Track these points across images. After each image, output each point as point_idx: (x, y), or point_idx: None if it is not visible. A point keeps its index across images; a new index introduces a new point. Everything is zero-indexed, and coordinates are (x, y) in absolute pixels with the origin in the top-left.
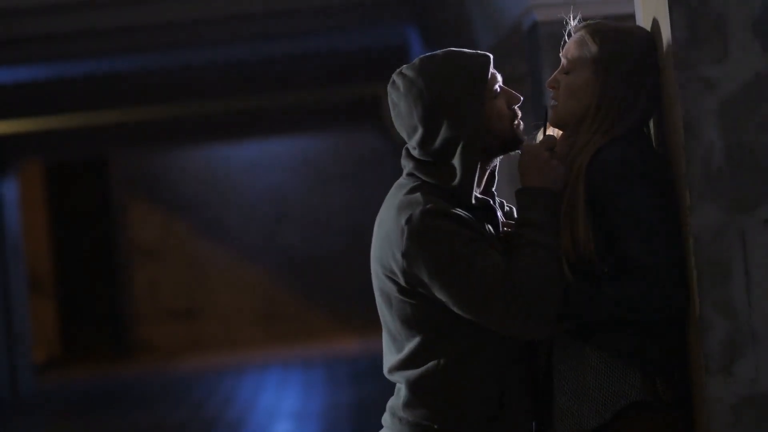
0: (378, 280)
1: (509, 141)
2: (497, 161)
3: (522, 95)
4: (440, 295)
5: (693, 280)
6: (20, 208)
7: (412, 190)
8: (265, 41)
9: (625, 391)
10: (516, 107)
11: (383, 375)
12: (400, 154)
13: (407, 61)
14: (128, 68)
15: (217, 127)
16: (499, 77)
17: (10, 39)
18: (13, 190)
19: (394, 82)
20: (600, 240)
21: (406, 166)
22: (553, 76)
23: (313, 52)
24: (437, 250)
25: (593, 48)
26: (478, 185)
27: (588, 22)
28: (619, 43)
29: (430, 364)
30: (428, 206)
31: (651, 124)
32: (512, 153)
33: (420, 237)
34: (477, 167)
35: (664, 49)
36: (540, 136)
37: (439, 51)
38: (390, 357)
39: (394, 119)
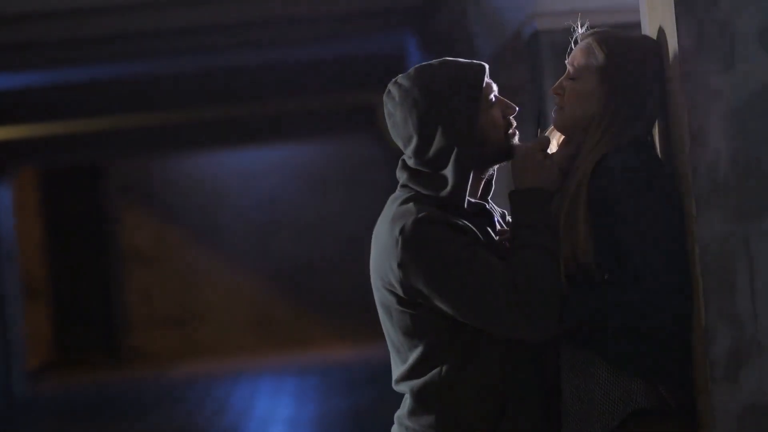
0: (378, 293)
1: (504, 151)
2: (493, 170)
3: (521, 104)
4: (439, 302)
5: (698, 288)
6: (15, 214)
7: (405, 201)
8: (260, 49)
9: (630, 398)
10: (511, 117)
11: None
12: (395, 162)
13: (404, 69)
14: (123, 75)
15: (212, 135)
16: (495, 87)
17: (6, 45)
18: (8, 196)
19: (389, 91)
20: (601, 247)
21: (401, 177)
22: (558, 82)
23: (310, 60)
24: (432, 257)
25: (600, 56)
26: (474, 194)
27: (595, 30)
28: (626, 52)
29: (433, 372)
30: (421, 215)
31: (656, 132)
32: (507, 163)
33: (414, 246)
34: (470, 176)
35: (671, 58)
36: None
37: (434, 60)
38: (396, 369)
39: (390, 129)
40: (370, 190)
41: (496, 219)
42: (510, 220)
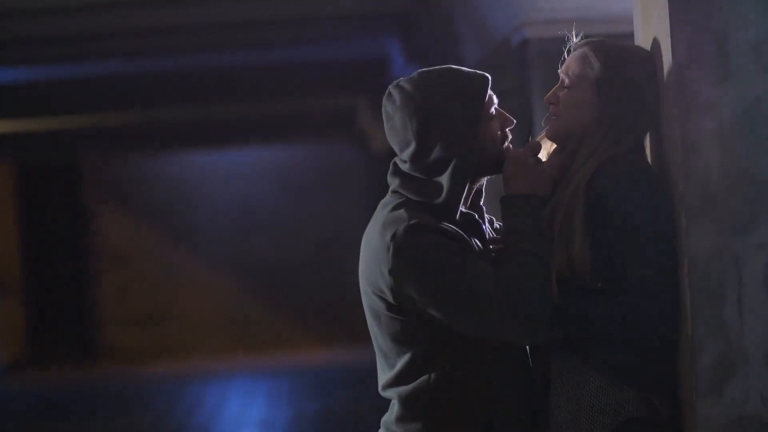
0: (367, 298)
1: (499, 162)
2: (485, 180)
3: (507, 111)
4: (430, 309)
5: (686, 300)
6: None
7: (396, 207)
8: (242, 51)
9: (622, 407)
10: (508, 130)
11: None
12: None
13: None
14: (103, 73)
15: (191, 135)
16: (496, 99)
17: None
18: None
19: (390, 93)
20: (596, 256)
21: (392, 182)
22: (552, 91)
23: (292, 62)
24: (424, 264)
25: (596, 65)
26: (465, 202)
27: (590, 39)
28: (621, 61)
29: (422, 379)
30: (413, 222)
31: (648, 143)
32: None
33: (406, 252)
34: (466, 186)
35: (665, 69)
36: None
37: (437, 67)
38: (383, 375)
39: (387, 131)
40: (347, 195)
41: (484, 227)
42: (498, 226)
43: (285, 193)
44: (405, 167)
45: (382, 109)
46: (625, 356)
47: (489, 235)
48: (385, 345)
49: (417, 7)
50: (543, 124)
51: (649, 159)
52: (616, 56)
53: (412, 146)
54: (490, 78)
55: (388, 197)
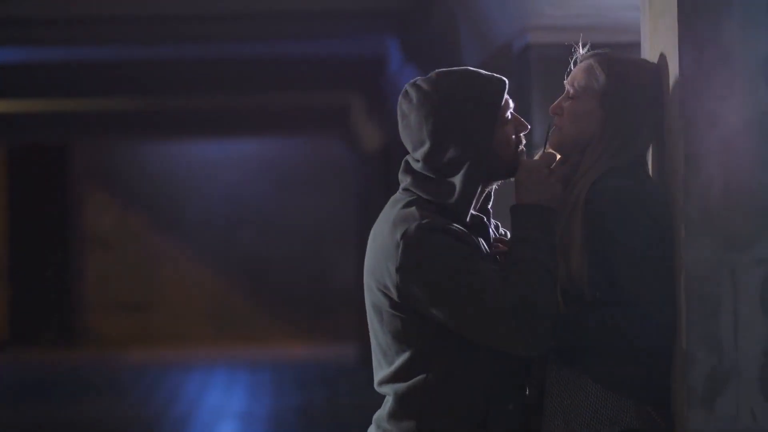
0: (370, 294)
1: (512, 167)
2: (495, 184)
3: None
4: (434, 309)
5: (681, 313)
6: None
7: (407, 205)
8: (236, 42)
9: (619, 417)
10: (522, 135)
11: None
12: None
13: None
14: (95, 58)
15: (182, 124)
16: (512, 104)
17: None
18: None
19: (407, 92)
20: (594, 267)
21: (404, 180)
22: (557, 102)
23: (287, 56)
24: (433, 264)
25: (601, 78)
26: (474, 206)
27: (596, 51)
28: (627, 74)
29: (418, 378)
30: (424, 221)
31: (650, 155)
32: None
33: (416, 251)
34: (478, 189)
35: (671, 82)
36: (540, 154)
37: (456, 68)
38: (380, 370)
39: (401, 129)
40: (335, 191)
41: (490, 231)
42: (504, 232)
43: (273, 186)
44: (417, 166)
45: (398, 107)
46: (625, 368)
47: (493, 240)
48: (384, 342)
49: (418, 6)
50: (545, 132)
51: (650, 171)
52: (622, 69)
53: (426, 146)
54: (507, 82)
55: (398, 194)
